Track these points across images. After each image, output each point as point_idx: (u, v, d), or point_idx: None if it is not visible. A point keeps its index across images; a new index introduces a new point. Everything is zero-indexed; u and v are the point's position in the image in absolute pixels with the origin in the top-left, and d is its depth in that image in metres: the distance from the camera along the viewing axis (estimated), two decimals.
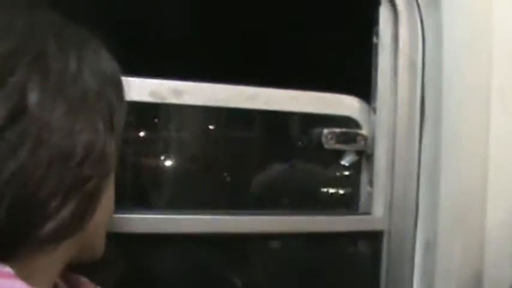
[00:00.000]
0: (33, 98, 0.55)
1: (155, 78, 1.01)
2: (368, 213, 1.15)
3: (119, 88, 0.68)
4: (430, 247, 1.12)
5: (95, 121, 0.60)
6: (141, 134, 1.07)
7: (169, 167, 1.10)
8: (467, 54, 1.09)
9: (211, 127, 1.13)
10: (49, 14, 0.64)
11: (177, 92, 1.03)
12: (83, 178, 0.58)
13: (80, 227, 0.61)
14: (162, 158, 1.10)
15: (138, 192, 1.07)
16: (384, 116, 1.13)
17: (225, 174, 1.13)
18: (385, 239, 1.15)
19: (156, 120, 1.08)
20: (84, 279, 0.77)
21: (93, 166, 0.59)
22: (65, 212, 0.57)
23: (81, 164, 0.58)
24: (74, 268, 0.74)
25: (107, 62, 0.66)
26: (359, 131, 1.13)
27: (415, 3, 1.12)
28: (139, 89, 0.99)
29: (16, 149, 0.53)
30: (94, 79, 0.62)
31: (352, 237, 1.18)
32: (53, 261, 0.63)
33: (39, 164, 0.54)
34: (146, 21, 1.23)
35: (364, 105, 1.14)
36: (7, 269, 0.54)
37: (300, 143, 1.15)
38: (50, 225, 0.56)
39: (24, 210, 0.55)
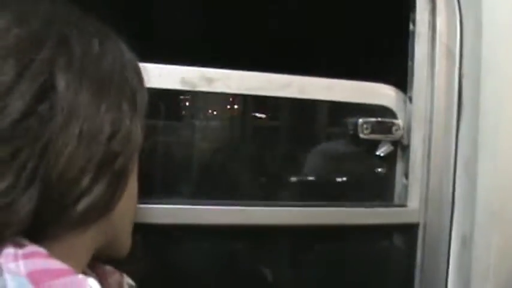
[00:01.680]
0: (60, 76, 0.57)
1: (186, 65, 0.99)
2: (403, 205, 1.12)
3: (139, 74, 0.70)
4: (467, 241, 1.10)
5: (119, 101, 0.62)
6: (170, 122, 1.06)
7: (198, 156, 1.09)
8: (507, 44, 1.06)
9: (242, 116, 1.11)
10: (69, 5, 0.65)
11: (209, 80, 1.01)
12: (113, 154, 0.60)
13: (109, 208, 0.63)
14: (192, 147, 1.08)
15: (164, 183, 1.05)
16: (420, 106, 1.10)
17: (257, 164, 1.11)
18: (420, 232, 1.12)
19: (187, 108, 1.06)
20: (109, 268, 0.77)
21: (121, 143, 0.61)
22: (97, 189, 0.59)
23: (110, 140, 0.60)
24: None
25: (125, 50, 0.69)
26: (395, 121, 1.10)
27: None
28: (170, 76, 0.98)
29: (47, 122, 0.55)
30: (116, 63, 0.64)
31: (387, 229, 1.15)
32: (83, 244, 0.64)
33: (70, 138, 0.56)
34: (175, 10, 1.22)
35: (400, 94, 1.12)
36: (40, 249, 0.54)
37: (334, 132, 1.13)
38: (83, 203, 0.58)
39: (57, 186, 0.56)
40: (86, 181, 0.57)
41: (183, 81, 0.99)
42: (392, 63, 1.14)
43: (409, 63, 1.11)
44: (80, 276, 0.54)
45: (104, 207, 0.62)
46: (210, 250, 1.10)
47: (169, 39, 1.18)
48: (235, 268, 1.10)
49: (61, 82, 0.56)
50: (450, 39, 1.10)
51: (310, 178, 1.11)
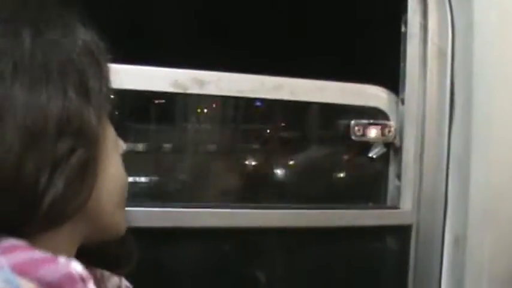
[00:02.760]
0: None
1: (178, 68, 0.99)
2: (396, 207, 1.13)
3: (94, 58, 0.65)
4: (460, 242, 1.10)
5: (64, 90, 0.59)
6: (159, 125, 1.06)
7: (189, 158, 1.09)
8: (498, 43, 1.06)
9: (233, 118, 1.11)
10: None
11: (201, 82, 1.01)
12: (66, 150, 0.58)
13: (81, 202, 0.61)
14: (183, 149, 1.08)
15: (154, 186, 1.05)
16: (412, 107, 1.11)
17: (248, 165, 1.11)
18: (413, 233, 1.13)
19: (176, 111, 1.06)
20: (107, 273, 0.76)
21: (73, 136, 0.59)
22: (58, 186, 0.57)
23: (60, 135, 0.58)
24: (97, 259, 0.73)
25: (77, 35, 0.65)
26: (387, 122, 1.10)
27: None
28: (162, 79, 0.98)
29: None
30: (57, 50, 0.61)
31: (380, 231, 1.16)
32: (65, 239, 0.63)
33: (9, 146, 0.54)
34: (168, 13, 1.21)
35: (392, 95, 1.12)
36: (19, 242, 0.55)
37: (327, 134, 1.13)
38: (47, 200, 0.56)
39: (16, 185, 0.55)
40: (43, 180, 0.56)
41: (176, 83, 0.99)
42: (385, 65, 1.14)
43: (401, 64, 1.12)
44: (63, 259, 0.55)
45: (74, 202, 0.60)
46: (200, 252, 1.09)
47: (160, 41, 1.18)
48: (229, 270, 1.10)
49: None
50: (442, 40, 1.10)
51: (303, 180, 1.11)
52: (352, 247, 1.16)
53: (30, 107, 0.56)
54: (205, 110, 1.09)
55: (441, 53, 1.11)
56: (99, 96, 0.64)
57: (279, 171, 1.12)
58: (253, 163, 1.11)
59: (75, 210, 0.60)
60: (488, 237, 1.07)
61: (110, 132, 0.69)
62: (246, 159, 1.10)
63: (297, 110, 1.09)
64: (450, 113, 1.11)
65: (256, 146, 1.11)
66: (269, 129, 1.13)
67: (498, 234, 1.07)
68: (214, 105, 1.09)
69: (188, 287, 1.09)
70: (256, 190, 1.09)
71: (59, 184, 0.57)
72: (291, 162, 1.12)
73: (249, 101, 1.06)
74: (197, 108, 1.08)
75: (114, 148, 0.70)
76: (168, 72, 0.99)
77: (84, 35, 0.65)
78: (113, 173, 0.69)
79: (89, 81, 0.63)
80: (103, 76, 0.66)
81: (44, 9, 0.65)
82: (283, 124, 1.13)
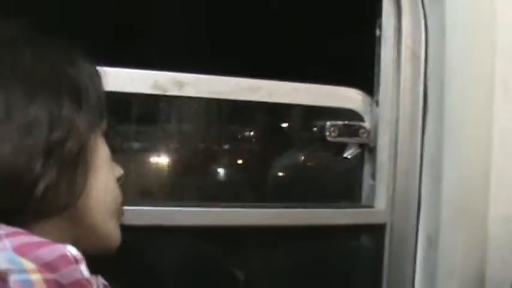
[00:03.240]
0: None
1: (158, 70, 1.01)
2: (370, 206, 1.15)
3: (92, 78, 0.74)
4: (433, 241, 1.12)
5: (57, 96, 0.67)
6: (140, 126, 1.07)
7: (168, 159, 1.10)
8: (470, 46, 1.09)
9: (212, 119, 1.12)
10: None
11: (180, 84, 1.02)
12: (57, 140, 0.65)
13: (72, 196, 0.67)
14: (163, 150, 1.10)
15: (139, 186, 1.07)
16: (386, 109, 1.13)
17: (226, 167, 1.13)
18: (387, 232, 1.14)
19: (156, 112, 1.08)
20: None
21: (63, 130, 0.66)
22: (50, 174, 0.64)
23: (51, 129, 0.65)
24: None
25: (76, 58, 0.74)
26: (362, 124, 1.12)
27: None
28: (142, 81, 0.99)
29: None
30: (53, 68, 0.70)
31: (354, 230, 1.17)
32: (54, 234, 0.67)
33: (11, 130, 0.62)
34: (149, 15, 1.23)
35: (367, 97, 1.14)
36: (19, 229, 0.61)
37: (302, 135, 1.14)
38: (41, 186, 0.63)
39: (11, 174, 0.61)
40: (37, 167, 0.62)
41: (155, 85, 1.01)
42: (359, 68, 1.16)
43: (375, 67, 1.14)
44: (59, 244, 0.60)
45: (65, 193, 0.66)
46: (181, 251, 1.11)
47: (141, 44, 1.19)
48: (204, 268, 1.12)
49: None
50: (415, 43, 1.13)
51: (279, 180, 1.13)
52: (327, 246, 1.17)
53: (25, 106, 0.64)
54: (182, 110, 1.10)
55: (415, 56, 1.13)
56: (91, 110, 0.71)
57: (254, 172, 1.14)
58: (228, 164, 1.12)
59: (66, 203, 0.67)
60: (460, 236, 1.09)
61: (102, 148, 0.76)
62: (221, 160, 1.12)
63: (273, 111, 1.11)
64: (423, 114, 1.13)
65: (231, 147, 1.13)
66: (245, 129, 1.14)
67: (470, 233, 1.10)
68: (189, 106, 1.10)
69: (169, 285, 1.11)
70: (231, 190, 1.11)
71: (52, 171, 0.64)
72: (267, 163, 1.13)
73: (225, 102, 1.08)
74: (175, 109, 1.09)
75: (107, 163, 0.76)
76: (148, 74, 1.01)
77: (83, 61, 0.74)
78: (106, 183, 0.75)
79: (81, 92, 0.71)
80: (98, 95, 0.74)
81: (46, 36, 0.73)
82: (259, 125, 1.14)
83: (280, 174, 1.13)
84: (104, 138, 0.77)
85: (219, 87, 1.05)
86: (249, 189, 1.12)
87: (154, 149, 1.09)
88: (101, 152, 0.75)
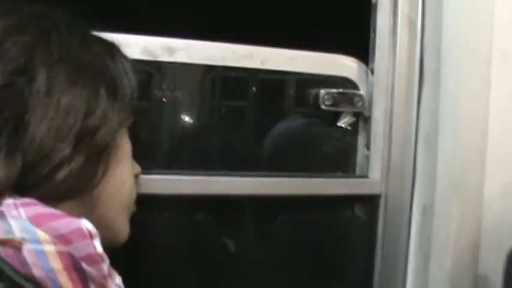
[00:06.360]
0: (39, 58, 0.65)
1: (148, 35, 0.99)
2: (365, 176, 1.14)
3: (128, 75, 0.77)
4: (427, 212, 1.11)
5: (96, 86, 0.70)
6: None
7: (158, 129, 1.08)
8: (468, 15, 1.07)
9: (204, 87, 1.10)
10: (53, 8, 0.74)
11: (170, 50, 1.00)
12: (91, 127, 0.67)
13: (91, 183, 0.69)
14: (154, 119, 1.07)
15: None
16: (381, 77, 1.11)
17: (220, 136, 1.10)
18: (381, 202, 1.13)
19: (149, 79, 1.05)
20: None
21: (98, 119, 0.68)
22: (77, 160, 0.65)
23: (87, 115, 0.67)
24: None
25: (119, 53, 0.79)
26: (356, 92, 1.11)
27: None
28: (132, 46, 0.97)
29: (26, 94, 0.63)
30: (98, 58, 0.73)
31: (349, 200, 1.16)
32: None
33: (48, 109, 0.64)
34: None
35: (362, 65, 1.12)
36: (34, 200, 0.62)
37: (296, 103, 1.12)
38: (64, 171, 0.64)
39: (38, 152, 0.63)
40: (66, 150, 0.64)
41: (145, 51, 0.99)
42: (354, 35, 1.14)
43: (371, 34, 1.12)
44: (75, 217, 0.63)
45: (85, 181, 0.68)
46: (181, 220, 1.10)
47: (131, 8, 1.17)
48: (197, 238, 1.10)
49: (39, 62, 0.65)
50: (412, 10, 1.11)
51: (273, 149, 1.11)
52: (321, 216, 1.16)
53: (67, 91, 0.66)
54: (176, 80, 1.08)
55: (411, 24, 1.11)
56: (124, 105, 0.74)
57: (249, 140, 1.12)
58: (223, 132, 1.10)
59: (82, 190, 0.69)
60: (455, 208, 1.08)
61: (126, 143, 0.79)
62: (215, 129, 1.10)
63: (266, 78, 1.09)
64: (419, 83, 1.12)
65: (225, 116, 1.11)
66: (237, 98, 1.12)
67: (465, 205, 1.09)
68: (184, 74, 1.08)
69: (159, 256, 1.09)
70: (226, 158, 1.09)
71: (79, 157, 0.66)
72: (259, 132, 1.11)
73: (219, 70, 1.06)
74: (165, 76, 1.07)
75: (127, 159, 0.80)
76: (138, 39, 0.99)
77: (123, 57, 0.79)
78: (123, 179, 0.78)
79: (118, 87, 0.74)
80: (132, 92, 0.77)
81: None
82: (251, 93, 1.12)
83: (273, 143, 1.11)
84: (127, 133, 0.80)
85: (211, 53, 1.03)
86: (241, 158, 1.10)
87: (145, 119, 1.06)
88: (124, 147, 0.78)
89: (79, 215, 0.67)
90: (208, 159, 1.08)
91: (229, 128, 1.10)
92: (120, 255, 0.72)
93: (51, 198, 0.65)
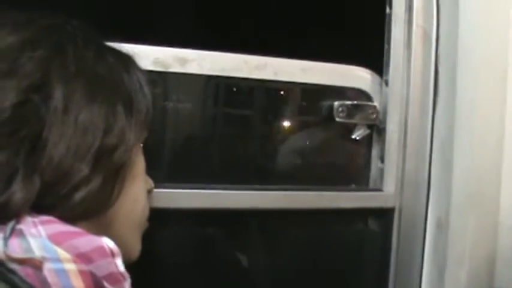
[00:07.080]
0: (55, 73, 0.63)
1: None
2: (379, 189, 1.12)
3: (143, 89, 0.75)
4: (442, 226, 1.09)
5: (113, 102, 0.68)
6: None
7: (168, 139, 1.07)
8: (484, 25, 1.06)
9: (216, 98, 1.09)
10: (69, 20, 0.72)
11: (183, 61, 0.99)
12: (110, 146, 0.65)
13: (108, 202, 0.68)
14: (167, 130, 1.06)
15: None
16: (396, 89, 1.10)
17: (230, 147, 1.09)
18: (396, 216, 1.12)
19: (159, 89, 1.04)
20: None
21: (116, 137, 0.66)
22: (96, 180, 0.64)
23: (105, 133, 0.65)
24: None
25: (135, 67, 0.76)
26: (370, 104, 1.09)
27: None
28: (143, 56, 0.95)
29: (42, 112, 0.61)
30: (113, 72, 0.71)
31: (363, 213, 1.15)
32: None
33: (66, 127, 0.62)
34: None
35: (376, 77, 1.11)
36: (53, 218, 0.61)
37: (309, 116, 1.11)
38: (82, 192, 0.63)
39: (56, 173, 0.61)
40: (85, 170, 0.62)
41: (157, 61, 0.98)
42: (369, 46, 1.13)
43: (386, 46, 1.11)
44: (95, 236, 0.61)
45: (102, 201, 0.67)
46: (190, 234, 1.09)
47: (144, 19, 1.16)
48: (209, 251, 1.09)
49: (55, 78, 0.63)
50: (427, 21, 1.10)
51: (286, 162, 1.10)
52: (335, 229, 1.15)
53: (85, 108, 0.64)
54: (186, 90, 1.07)
55: (426, 36, 1.10)
56: (140, 121, 0.72)
57: (262, 153, 1.11)
58: (235, 145, 1.09)
59: (99, 210, 0.67)
60: (470, 221, 1.07)
61: (140, 159, 0.77)
62: (227, 141, 1.09)
63: (279, 90, 1.08)
64: (434, 95, 1.10)
65: (238, 127, 1.09)
66: (252, 110, 1.11)
67: (480, 218, 1.07)
68: (195, 85, 1.07)
69: (168, 269, 1.08)
70: (238, 172, 1.07)
71: (98, 177, 0.64)
72: (273, 144, 1.10)
73: (231, 81, 1.04)
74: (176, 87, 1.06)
75: (141, 176, 0.77)
76: (150, 50, 0.97)
77: (138, 69, 0.76)
78: (137, 195, 0.76)
79: (133, 103, 0.71)
80: (147, 107, 0.74)
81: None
82: (264, 105, 1.11)
83: (287, 156, 1.10)
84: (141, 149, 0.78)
85: (223, 64, 1.02)
86: (255, 171, 1.09)
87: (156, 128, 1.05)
88: (139, 164, 0.76)
89: (93, 234, 0.65)
90: (223, 172, 1.07)
91: (241, 140, 1.09)
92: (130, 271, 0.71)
93: (66, 219, 0.63)
